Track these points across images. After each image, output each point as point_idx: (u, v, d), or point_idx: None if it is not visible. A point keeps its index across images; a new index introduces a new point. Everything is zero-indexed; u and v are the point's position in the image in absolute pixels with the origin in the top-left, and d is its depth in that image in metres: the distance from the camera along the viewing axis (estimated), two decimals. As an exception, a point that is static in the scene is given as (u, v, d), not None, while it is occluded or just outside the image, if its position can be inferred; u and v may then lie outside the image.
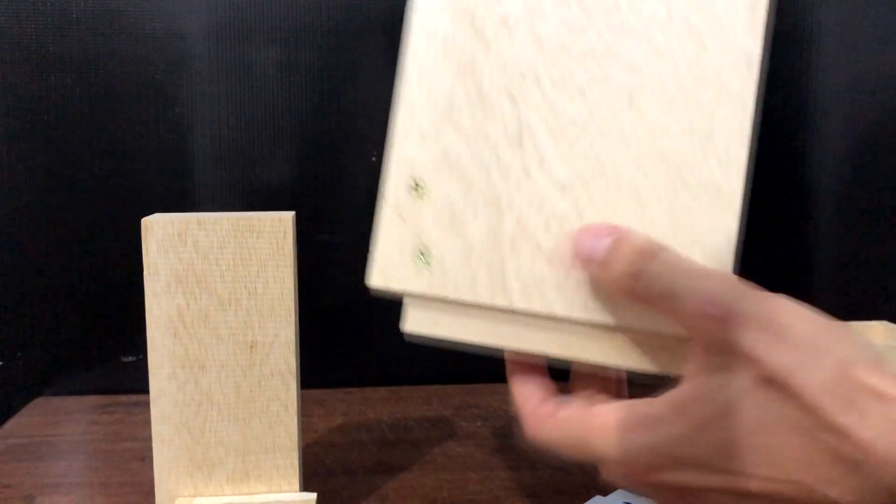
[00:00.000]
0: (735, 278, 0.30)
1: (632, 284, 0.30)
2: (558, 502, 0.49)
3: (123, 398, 0.69)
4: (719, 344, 0.28)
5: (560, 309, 0.33)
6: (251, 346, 0.41)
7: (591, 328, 0.34)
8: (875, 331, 0.56)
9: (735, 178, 0.34)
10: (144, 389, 0.41)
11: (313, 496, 0.43)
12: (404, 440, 0.59)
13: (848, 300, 0.77)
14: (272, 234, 0.41)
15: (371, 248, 0.34)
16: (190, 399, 0.41)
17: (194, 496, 0.42)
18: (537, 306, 0.33)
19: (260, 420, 0.42)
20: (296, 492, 0.43)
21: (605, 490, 0.48)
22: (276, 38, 0.70)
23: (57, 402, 0.69)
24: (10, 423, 0.64)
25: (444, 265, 0.34)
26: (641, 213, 0.34)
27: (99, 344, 0.72)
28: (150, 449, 0.42)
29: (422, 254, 0.34)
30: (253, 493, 0.42)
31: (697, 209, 0.34)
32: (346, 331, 0.72)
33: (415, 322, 0.34)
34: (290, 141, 0.71)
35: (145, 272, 0.40)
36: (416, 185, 0.34)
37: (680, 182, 0.34)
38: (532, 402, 0.33)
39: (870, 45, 0.74)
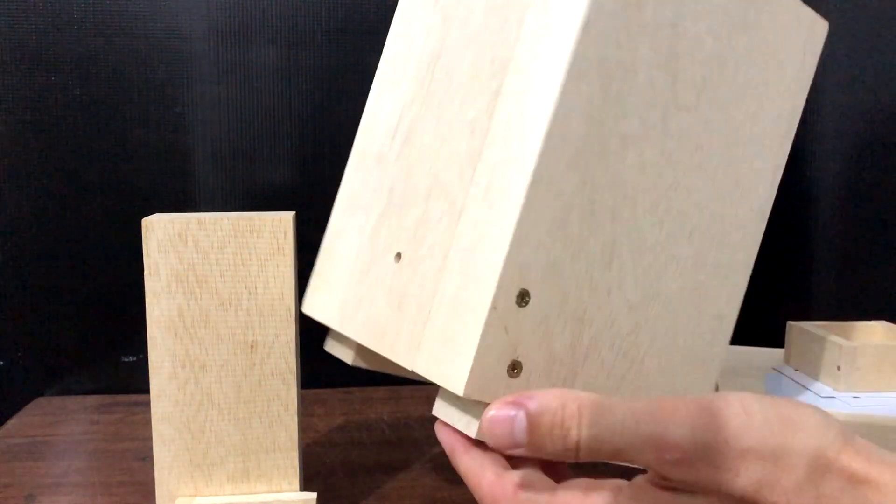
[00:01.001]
0: (671, 404, 0.28)
1: (574, 456, 0.28)
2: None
3: (124, 398, 0.69)
4: (683, 478, 0.27)
5: None
6: (251, 346, 0.41)
7: None
8: (875, 331, 0.56)
9: (733, 309, 0.41)
10: (145, 389, 0.42)
11: (313, 496, 0.43)
12: (404, 440, 0.59)
13: (848, 300, 0.77)
14: (272, 234, 0.41)
15: (451, 353, 0.32)
16: (190, 399, 0.41)
17: (194, 496, 0.42)
18: None
19: (260, 420, 0.42)
20: (296, 491, 0.43)
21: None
22: (276, 38, 0.70)
23: (57, 401, 0.69)
24: (11, 423, 0.64)
25: (529, 377, 0.33)
26: (675, 336, 0.37)
27: (99, 344, 0.72)
28: (150, 449, 0.42)
29: (514, 366, 0.32)
30: (253, 493, 0.42)
31: (705, 335, 0.39)
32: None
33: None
34: (290, 141, 0.71)
35: (146, 272, 0.40)
36: (524, 294, 0.32)
37: (698, 312, 0.38)
38: (488, 477, 0.31)
39: (870, 45, 0.74)
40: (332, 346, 0.44)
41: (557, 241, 0.32)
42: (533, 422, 0.29)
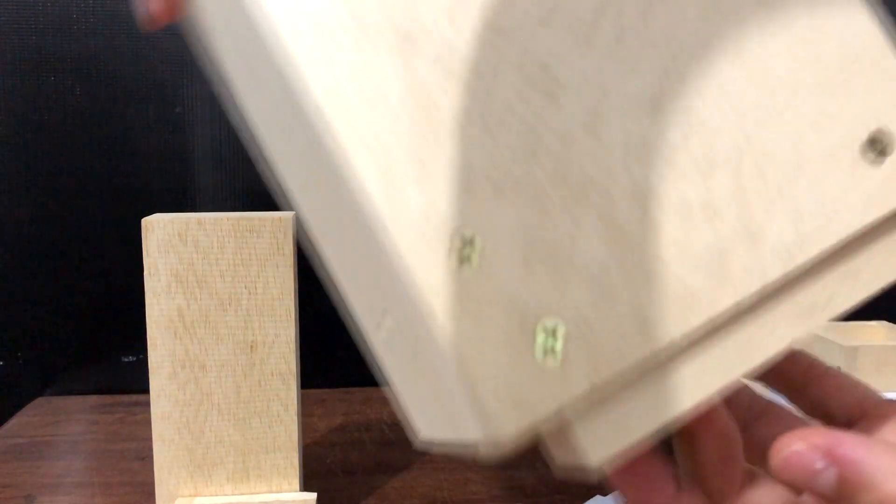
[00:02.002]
0: None
1: None
2: (558, 502, 0.49)
3: (124, 398, 0.69)
4: None
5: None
6: (251, 346, 0.41)
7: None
8: (875, 331, 0.56)
9: None
10: (145, 389, 0.42)
11: (313, 496, 0.43)
12: (404, 440, 0.59)
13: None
14: (272, 234, 0.41)
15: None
16: (190, 399, 0.41)
17: (194, 496, 0.42)
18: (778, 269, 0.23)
19: (260, 420, 0.42)
20: (296, 491, 0.43)
21: (605, 490, 0.48)
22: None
23: (57, 401, 0.69)
24: (11, 423, 0.64)
25: (588, 332, 0.21)
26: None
27: (99, 344, 0.72)
28: (150, 449, 0.42)
29: (549, 331, 0.20)
30: (253, 493, 0.42)
31: None
32: (345, 331, 0.72)
33: (597, 447, 0.21)
34: (290, 141, 0.71)
35: (145, 272, 0.40)
36: (462, 244, 0.20)
37: None
38: (661, 499, 0.25)
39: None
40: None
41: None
42: (845, 481, 0.22)
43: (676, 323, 0.21)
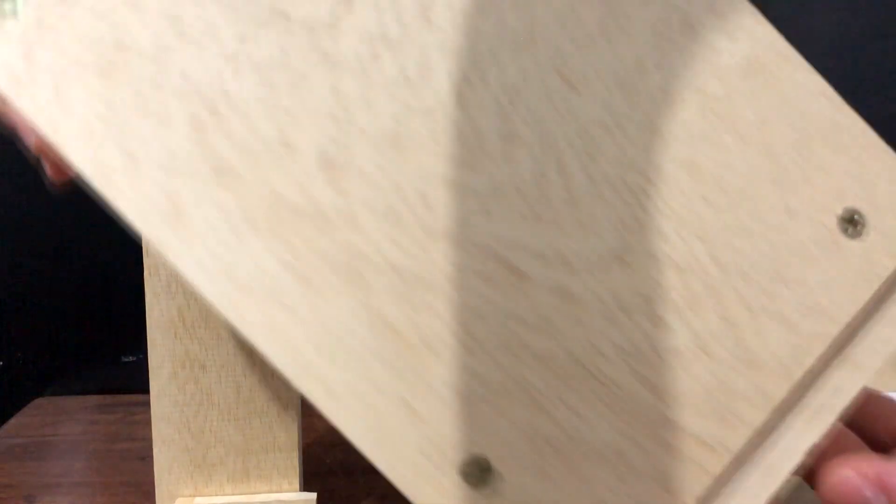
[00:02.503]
0: None
1: None
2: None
3: (124, 398, 0.69)
4: None
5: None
6: (251, 346, 0.41)
7: None
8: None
9: None
10: (145, 389, 0.41)
11: (313, 496, 0.43)
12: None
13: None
14: (272, 233, 0.41)
15: None
16: (190, 399, 0.41)
17: (194, 496, 0.42)
18: None
19: (260, 420, 0.42)
20: (296, 491, 0.43)
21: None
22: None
23: (57, 401, 0.69)
24: (11, 423, 0.64)
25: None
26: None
27: (99, 344, 0.71)
28: (150, 449, 0.42)
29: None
30: (253, 493, 0.42)
31: None
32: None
33: None
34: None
35: (146, 272, 0.40)
36: (478, 467, 0.21)
37: None
38: None
39: (870, 45, 0.74)
40: None
41: None
42: None
43: (697, 477, 0.22)
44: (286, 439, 0.42)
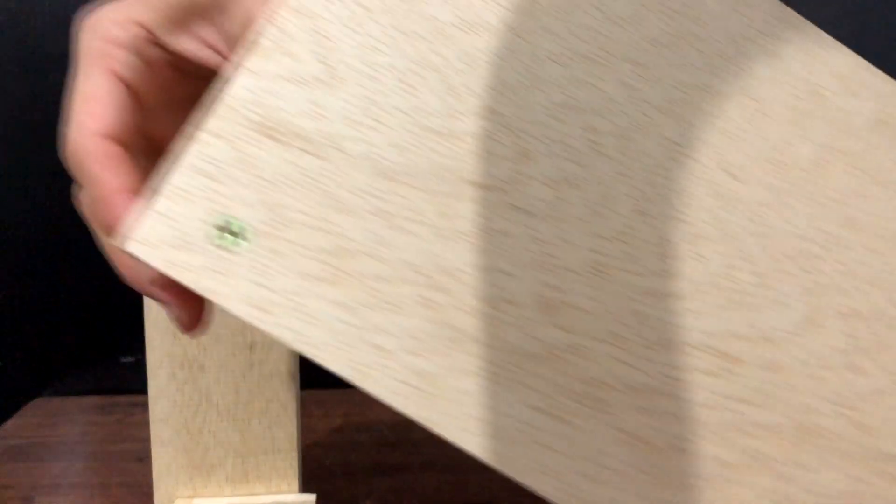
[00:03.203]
0: None
1: None
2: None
3: (122, 399, 0.69)
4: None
5: None
6: (250, 347, 0.41)
7: None
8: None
9: None
10: (143, 390, 0.41)
11: (313, 497, 0.42)
12: (404, 440, 0.59)
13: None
14: (271, 234, 0.41)
15: None
16: (189, 400, 0.41)
17: (193, 497, 0.42)
18: None
19: (259, 421, 0.42)
20: (295, 493, 0.43)
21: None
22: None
23: (56, 402, 0.69)
24: (9, 424, 0.64)
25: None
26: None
27: (97, 345, 0.71)
28: (148, 450, 0.41)
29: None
30: (252, 494, 0.42)
31: None
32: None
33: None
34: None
35: (144, 272, 0.40)
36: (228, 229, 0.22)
37: None
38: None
39: (870, 45, 0.74)
40: None
41: None
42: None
43: None
44: (285, 440, 0.42)
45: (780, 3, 0.27)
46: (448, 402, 0.22)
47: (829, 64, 0.27)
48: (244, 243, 0.22)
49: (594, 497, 0.22)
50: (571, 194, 0.24)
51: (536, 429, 0.23)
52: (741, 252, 0.25)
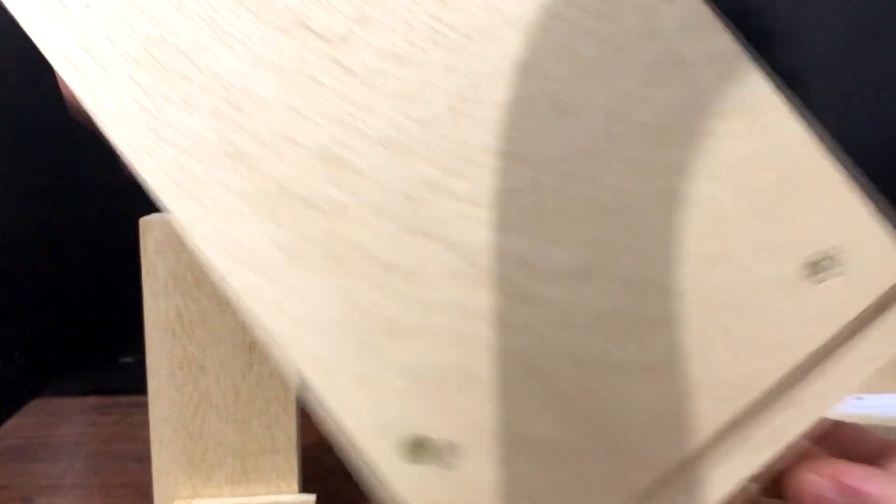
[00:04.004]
0: None
1: None
2: None
3: (121, 399, 0.69)
4: None
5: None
6: (250, 347, 0.41)
7: None
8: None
9: None
10: (142, 390, 0.41)
11: (312, 497, 0.42)
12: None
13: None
14: (271, 234, 0.41)
15: None
16: (188, 400, 0.41)
17: (193, 497, 0.42)
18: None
19: (259, 421, 0.42)
20: (295, 493, 0.43)
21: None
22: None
23: (55, 403, 0.69)
24: (8, 424, 0.64)
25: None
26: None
27: (97, 345, 0.71)
28: (148, 450, 0.41)
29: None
30: (252, 495, 0.42)
31: None
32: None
33: None
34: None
35: (143, 273, 0.40)
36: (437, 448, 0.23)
37: None
38: None
39: (871, 45, 0.74)
40: None
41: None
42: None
43: (621, 486, 0.23)
44: (285, 441, 0.42)
45: None
46: (202, 207, 0.23)
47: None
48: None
49: (294, 339, 0.23)
50: (395, 70, 0.24)
51: (272, 264, 0.23)
52: (538, 183, 0.24)
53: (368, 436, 0.22)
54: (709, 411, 0.23)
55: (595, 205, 0.24)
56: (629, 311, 0.24)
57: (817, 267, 0.25)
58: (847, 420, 0.45)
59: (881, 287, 0.25)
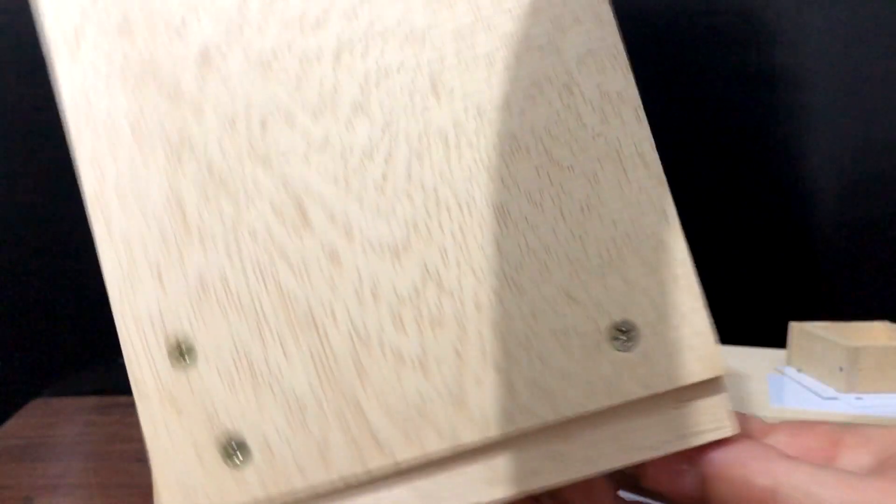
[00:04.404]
0: None
1: None
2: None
3: (121, 399, 0.69)
4: None
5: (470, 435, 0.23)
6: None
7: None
8: (878, 331, 0.56)
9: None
10: (142, 390, 0.41)
11: (313, 498, 0.42)
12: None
13: (849, 300, 0.76)
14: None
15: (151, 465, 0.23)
16: (188, 400, 0.41)
17: (193, 498, 0.42)
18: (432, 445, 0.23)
19: (259, 421, 0.42)
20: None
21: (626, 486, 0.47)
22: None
23: (55, 402, 0.69)
24: (8, 424, 0.64)
25: (271, 449, 0.23)
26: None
27: (97, 345, 0.71)
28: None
29: (233, 448, 0.23)
30: (252, 495, 0.42)
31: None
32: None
33: None
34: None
35: (143, 272, 0.40)
36: (180, 348, 0.23)
37: None
38: None
39: (870, 45, 0.74)
40: None
41: (190, 251, 0.24)
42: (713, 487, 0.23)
43: (353, 463, 0.23)
44: (285, 440, 0.42)
45: None
46: (79, 67, 0.24)
47: None
48: None
49: (108, 214, 0.24)
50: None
51: (117, 133, 0.24)
52: (388, 153, 0.24)
53: (134, 324, 0.25)
54: (462, 427, 0.23)
55: (433, 193, 0.24)
56: (423, 302, 0.23)
57: (624, 334, 0.24)
58: (847, 420, 0.45)
59: (678, 381, 0.23)
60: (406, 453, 0.23)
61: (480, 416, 0.23)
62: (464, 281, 0.24)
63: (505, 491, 0.23)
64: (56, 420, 0.65)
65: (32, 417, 0.65)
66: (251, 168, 0.24)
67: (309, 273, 0.23)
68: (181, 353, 0.23)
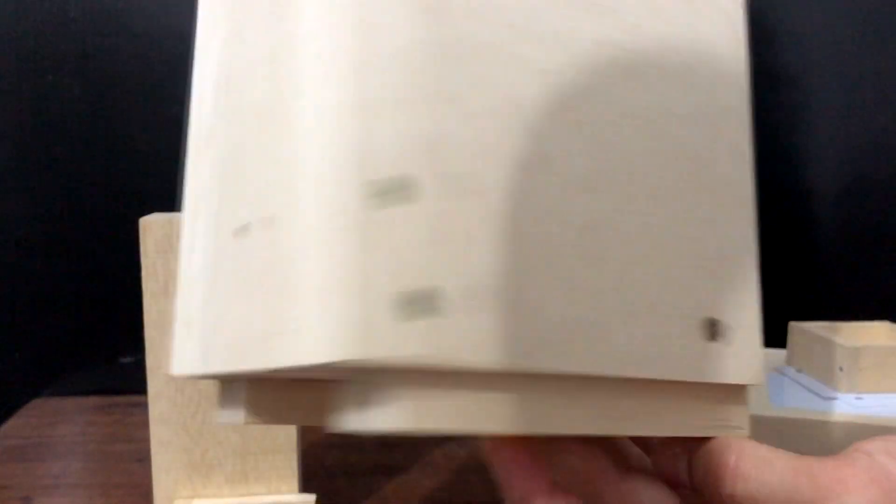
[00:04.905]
0: (841, 474, 0.24)
1: None
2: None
3: (121, 399, 0.69)
4: None
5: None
6: (250, 347, 0.41)
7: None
8: (878, 331, 0.56)
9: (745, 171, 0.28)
10: (142, 390, 0.41)
11: (312, 497, 0.42)
12: (404, 441, 0.59)
13: (849, 300, 0.76)
14: (271, 233, 0.41)
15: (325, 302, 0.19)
16: (188, 400, 0.41)
17: (193, 497, 0.42)
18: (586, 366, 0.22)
19: (259, 421, 0.42)
20: (295, 493, 0.43)
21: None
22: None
23: (55, 402, 0.69)
24: (8, 424, 0.64)
25: (456, 311, 0.19)
26: (655, 208, 0.25)
27: (97, 345, 0.71)
28: (148, 450, 0.41)
29: (423, 298, 0.19)
30: (252, 495, 0.42)
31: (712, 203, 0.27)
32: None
33: (409, 415, 0.20)
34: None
35: (143, 273, 0.40)
36: (400, 184, 0.19)
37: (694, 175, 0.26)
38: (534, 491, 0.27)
39: (870, 44, 0.74)
40: (221, 414, 0.27)
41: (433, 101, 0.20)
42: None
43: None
44: (285, 441, 0.42)
45: None
46: None
47: None
48: None
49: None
50: None
51: None
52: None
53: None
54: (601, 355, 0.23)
55: (284, 164, 0.22)
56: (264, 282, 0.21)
57: (714, 327, 0.26)
58: (847, 420, 0.45)
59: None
60: (558, 365, 0.22)
61: (616, 352, 0.23)
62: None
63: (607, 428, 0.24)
64: (56, 420, 0.65)
65: (32, 417, 0.65)
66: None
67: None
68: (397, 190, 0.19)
